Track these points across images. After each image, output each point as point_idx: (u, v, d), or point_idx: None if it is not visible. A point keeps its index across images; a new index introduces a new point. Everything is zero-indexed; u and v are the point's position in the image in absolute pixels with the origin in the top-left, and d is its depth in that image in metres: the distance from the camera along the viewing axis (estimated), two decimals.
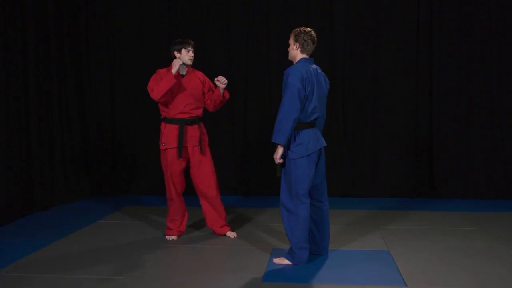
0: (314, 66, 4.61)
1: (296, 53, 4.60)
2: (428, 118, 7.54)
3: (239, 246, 5.12)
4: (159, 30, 7.73)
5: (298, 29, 4.64)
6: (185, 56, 5.23)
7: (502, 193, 7.42)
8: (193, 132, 5.28)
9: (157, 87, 5.11)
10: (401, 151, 7.57)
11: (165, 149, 5.27)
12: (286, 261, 4.59)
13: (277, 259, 4.64)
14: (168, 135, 5.24)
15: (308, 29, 4.62)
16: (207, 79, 5.46)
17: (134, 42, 7.75)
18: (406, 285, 4.08)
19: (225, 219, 5.50)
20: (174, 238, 5.37)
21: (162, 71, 5.30)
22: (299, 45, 4.56)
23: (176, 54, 5.24)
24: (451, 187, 7.49)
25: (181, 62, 5.17)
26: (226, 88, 5.34)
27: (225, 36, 7.69)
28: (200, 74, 5.45)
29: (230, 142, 7.79)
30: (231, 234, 5.45)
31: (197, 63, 7.56)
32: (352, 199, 7.39)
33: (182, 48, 5.21)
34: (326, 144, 4.66)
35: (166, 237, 5.40)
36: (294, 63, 4.61)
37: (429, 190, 7.54)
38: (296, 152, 4.45)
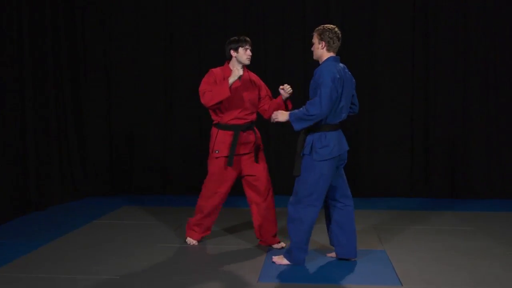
0: (341, 65, 4.48)
1: (322, 52, 4.45)
2: (424, 117, 7.55)
3: (236, 246, 5.12)
4: (156, 29, 7.74)
5: (321, 27, 4.48)
6: (243, 55, 4.84)
7: (499, 192, 7.43)
8: (248, 139, 4.92)
9: (209, 93, 4.70)
10: (397, 151, 7.58)
11: (217, 157, 4.92)
12: (285, 261, 4.56)
13: (276, 257, 4.62)
14: (222, 142, 4.87)
15: (332, 26, 4.47)
16: (262, 84, 5.09)
17: (131, 42, 7.75)
18: (402, 285, 4.09)
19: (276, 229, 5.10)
20: (195, 243, 5.13)
21: (216, 71, 4.90)
22: (325, 43, 4.42)
23: (233, 53, 4.86)
24: (447, 187, 7.50)
25: (240, 73, 4.67)
26: (289, 98, 4.90)
27: (223, 37, 7.68)
28: (255, 77, 5.05)
29: None
30: (278, 245, 5.07)
31: (194, 65, 7.67)
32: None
33: (239, 46, 4.83)
34: (348, 148, 4.53)
35: (187, 239, 5.16)
36: (320, 62, 4.48)
37: (425, 189, 7.55)
38: (321, 154, 4.32)
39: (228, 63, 4.95)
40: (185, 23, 7.70)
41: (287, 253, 4.58)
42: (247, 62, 4.87)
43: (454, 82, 7.47)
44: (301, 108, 4.36)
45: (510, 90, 7.43)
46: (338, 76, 4.30)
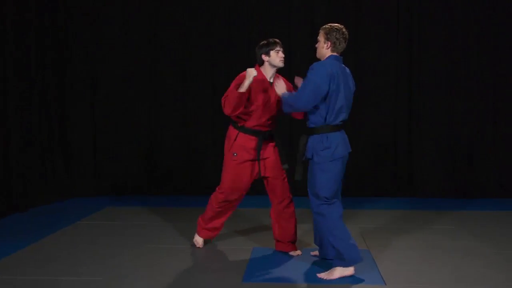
0: (342, 65, 4.36)
1: (326, 52, 4.32)
2: (407, 117, 7.61)
3: (220, 247, 5.12)
4: (141, 30, 7.72)
5: (328, 26, 4.33)
6: (275, 58, 4.62)
7: (481, 192, 7.50)
8: (268, 144, 4.78)
9: (227, 100, 4.51)
10: (380, 150, 7.63)
11: (234, 160, 4.74)
12: (336, 274, 4.21)
13: (324, 273, 4.26)
14: (241, 145, 4.70)
15: (340, 25, 4.33)
16: (291, 88, 4.78)
17: (117, 43, 7.71)
18: (385, 284, 4.11)
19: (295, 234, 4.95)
20: (201, 245, 5.06)
21: (242, 76, 4.60)
22: (331, 43, 4.28)
23: (264, 57, 4.65)
24: (431, 186, 7.56)
25: (253, 74, 4.44)
26: None
27: (208, 38, 7.71)
28: (287, 83, 4.74)
29: None
30: (294, 252, 4.91)
31: (179, 67, 7.66)
32: None
33: (270, 50, 4.62)
34: (351, 150, 4.42)
35: (196, 239, 5.09)
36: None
37: (409, 189, 7.60)
38: (323, 156, 4.21)
39: (259, 67, 4.73)
40: (170, 25, 7.68)
41: (339, 261, 4.23)
42: (280, 64, 4.64)
43: (436, 84, 7.54)
44: (294, 93, 4.33)
45: (492, 92, 7.53)
46: (333, 72, 4.16)
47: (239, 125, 4.74)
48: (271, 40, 4.69)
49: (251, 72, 4.46)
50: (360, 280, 4.20)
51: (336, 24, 4.34)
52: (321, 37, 4.34)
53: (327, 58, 4.31)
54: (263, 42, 4.71)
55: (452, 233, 5.61)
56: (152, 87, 7.75)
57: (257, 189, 7.68)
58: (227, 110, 4.53)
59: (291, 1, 7.61)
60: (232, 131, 4.79)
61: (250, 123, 4.68)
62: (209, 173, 7.71)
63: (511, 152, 7.55)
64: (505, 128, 7.53)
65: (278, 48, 4.64)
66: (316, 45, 4.40)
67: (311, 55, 7.41)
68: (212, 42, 7.70)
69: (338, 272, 4.21)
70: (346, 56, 7.46)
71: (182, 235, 5.51)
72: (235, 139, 4.73)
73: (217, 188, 4.93)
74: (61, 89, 7.49)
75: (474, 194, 7.49)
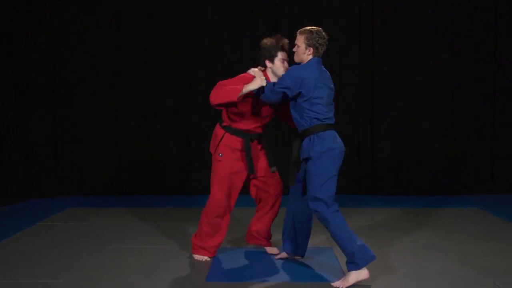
0: (322, 68, 4.23)
1: (307, 57, 4.16)
2: (370, 116, 7.70)
3: (185, 246, 5.08)
4: (103, 30, 7.63)
5: (308, 29, 4.13)
6: (280, 68, 4.36)
7: (442, 189, 7.65)
8: (256, 146, 4.61)
9: (220, 91, 4.20)
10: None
11: (220, 161, 4.53)
12: (351, 278, 4.01)
13: (339, 282, 4.05)
14: (227, 146, 4.51)
15: (319, 28, 4.14)
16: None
17: (77, 42, 7.59)
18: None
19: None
20: (208, 259, 4.65)
21: (245, 78, 4.33)
22: (313, 49, 4.12)
23: (268, 63, 4.38)
24: (393, 184, 7.66)
25: (262, 84, 4.19)
26: None
27: (172, 36, 7.67)
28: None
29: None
30: (270, 249, 4.82)
31: (141, 67, 7.59)
32: None
33: (274, 57, 4.34)
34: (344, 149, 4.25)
35: (197, 256, 4.66)
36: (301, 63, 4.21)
37: (372, 187, 7.69)
38: (319, 150, 4.05)
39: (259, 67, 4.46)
40: (131, 25, 7.61)
41: (352, 265, 4.03)
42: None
43: (399, 82, 7.66)
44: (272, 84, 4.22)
45: (451, 90, 7.68)
46: (309, 76, 4.05)
47: (226, 125, 4.53)
48: (278, 42, 4.36)
49: (261, 82, 4.18)
50: (323, 278, 4.23)
51: (315, 28, 4.16)
52: (300, 42, 4.15)
53: (308, 61, 4.16)
54: (268, 43, 4.38)
55: (415, 229, 5.69)
56: (113, 86, 7.66)
57: None
58: (213, 101, 4.22)
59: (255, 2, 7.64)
60: (218, 131, 4.58)
61: (240, 125, 4.48)
62: (172, 173, 7.68)
63: (467, 150, 7.73)
64: (463, 128, 7.71)
65: (283, 57, 4.37)
66: (294, 49, 4.21)
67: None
68: (175, 42, 7.66)
69: (353, 277, 4.01)
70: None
71: (145, 236, 5.47)
72: (220, 139, 4.53)
73: (208, 199, 4.59)
74: (21, 90, 7.33)
75: (435, 191, 7.62)
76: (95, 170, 7.65)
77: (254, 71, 4.39)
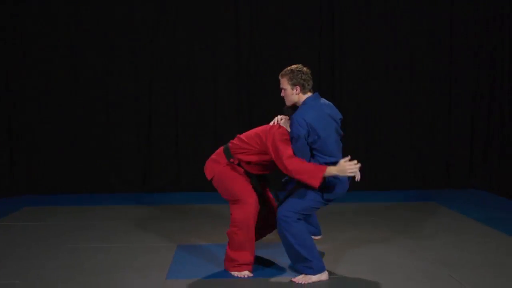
0: (323, 100, 4.17)
1: (298, 97, 4.09)
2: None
3: (144, 244, 5.04)
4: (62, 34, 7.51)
5: (288, 70, 4.10)
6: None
7: (400, 184, 7.78)
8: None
9: (301, 168, 3.95)
10: None
11: (231, 166, 4.29)
12: (314, 277, 4.07)
13: (299, 277, 4.10)
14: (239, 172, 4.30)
15: (299, 66, 4.12)
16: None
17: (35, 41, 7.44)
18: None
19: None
20: (250, 275, 4.23)
21: (281, 133, 4.10)
22: (300, 87, 4.06)
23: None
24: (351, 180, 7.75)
25: (348, 172, 3.97)
26: None
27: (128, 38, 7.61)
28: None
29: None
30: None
31: (98, 65, 7.48)
32: None
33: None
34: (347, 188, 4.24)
35: (237, 273, 4.23)
36: (298, 105, 4.12)
37: None
38: (325, 196, 4.09)
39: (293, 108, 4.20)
40: (89, 28, 7.51)
41: (308, 269, 4.08)
42: None
43: (357, 84, 7.78)
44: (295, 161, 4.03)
45: (409, 84, 7.82)
46: (313, 120, 3.96)
47: (233, 162, 4.29)
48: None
49: (349, 170, 3.95)
50: (280, 273, 4.26)
51: (294, 66, 4.13)
52: (285, 85, 4.11)
53: (304, 102, 4.09)
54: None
55: (372, 224, 5.78)
56: (68, 85, 7.52)
57: (181, 185, 7.69)
58: (295, 176, 3.99)
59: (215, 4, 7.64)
60: (222, 159, 4.32)
61: (250, 169, 4.30)
62: (130, 170, 7.60)
63: (429, 143, 7.89)
64: (420, 124, 7.85)
65: None
66: (282, 94, 4.16)
67: (236, 54, 7.59)
68: (134, 44, 7.59)
69: (316, 276, 4.08)
70: (268, 50, 7.66)
71: (103, 234, 5.40)
72: (230, 169, 4.28)
73: (237, 209, 4.20)
74: None
75: (393, 186, 7.75)
76: (51, 168, 7.50)
77: (282, 120, 4.23)
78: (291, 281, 4.11)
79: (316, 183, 3.91)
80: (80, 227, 5.70)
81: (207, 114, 7.71)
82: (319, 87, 7.70)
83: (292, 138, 4.04)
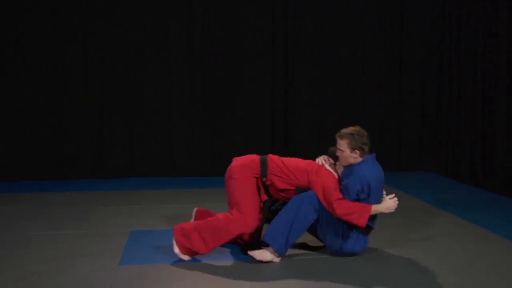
0: (376, 163, 4.20)
1: (355, 160, 4.11)
2: (283, 108, 7.97)
3: (96, 231, 4.98)
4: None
5: (348, 133, 4.09)
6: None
7: None
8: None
9: (348, 209, 4.04)
10: (259, 137, 7.89)
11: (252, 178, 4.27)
12: (268, 256, 4.10)
13: (256, 252, 4.12)
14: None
15: (357, 128, 4.11)
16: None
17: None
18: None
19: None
20: (189, 259, 4.24)
21: (322, 171, 4.20)
22: (359, 151, 4.08)
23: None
24: None
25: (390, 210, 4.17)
26: None
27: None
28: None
29: None
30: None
31: (49, 63, 7.27)
32: (211, 179, 7.52)
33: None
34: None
35: (177, 251, 4.21)
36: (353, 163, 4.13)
37: None
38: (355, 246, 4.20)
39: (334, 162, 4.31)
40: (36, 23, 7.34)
41: (276, 248, 4.09)
42: None
43: (310, 78, 7.96)
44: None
45: (360, 80, 8.06)
46: (370, 179, 4.04)
47: (266, 182, 4.27)
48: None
49: (392, 207, 4.13)
50: (238, 257, 4.28)
51: (354, 128, 4.12)
52: (343, 147, 4.10)
53: (365, 160, 4.12)
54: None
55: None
56: (18, 71, 7.34)
57: (140, 170, 7.63)
58: (342, 217, 4.06)
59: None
60: (254, 170, 4.27)
61: (275, 193, 4.32)
62: (81, 156, 7.48)
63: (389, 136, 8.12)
64: (372, 110, 8.09)
65: None
66: (338, 154, 4.15)
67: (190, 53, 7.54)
68: (86, 26, 7.46)
69: (270, 256, 4.10)
70: (224, 46, 7.68)
71: (53, 222, 5.30)
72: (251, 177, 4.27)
73: (235, 215, 4.20)
74: None
75: None
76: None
77: (323, 161, 4.29)
78: (247, 253, 4.16)
79: (363, 223, 4.03)
80: (27, 214, 5.57)
81: (162, 99, 7.65)
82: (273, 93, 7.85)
83: (344, 187, 4.09)
